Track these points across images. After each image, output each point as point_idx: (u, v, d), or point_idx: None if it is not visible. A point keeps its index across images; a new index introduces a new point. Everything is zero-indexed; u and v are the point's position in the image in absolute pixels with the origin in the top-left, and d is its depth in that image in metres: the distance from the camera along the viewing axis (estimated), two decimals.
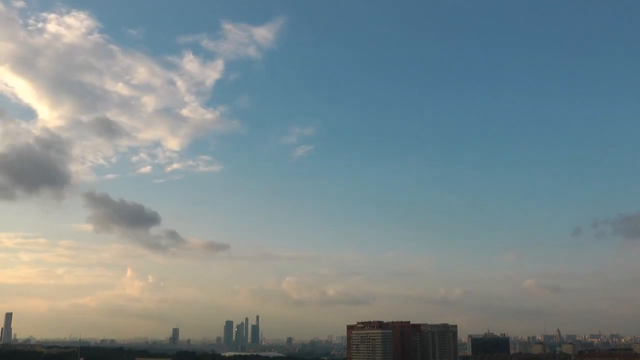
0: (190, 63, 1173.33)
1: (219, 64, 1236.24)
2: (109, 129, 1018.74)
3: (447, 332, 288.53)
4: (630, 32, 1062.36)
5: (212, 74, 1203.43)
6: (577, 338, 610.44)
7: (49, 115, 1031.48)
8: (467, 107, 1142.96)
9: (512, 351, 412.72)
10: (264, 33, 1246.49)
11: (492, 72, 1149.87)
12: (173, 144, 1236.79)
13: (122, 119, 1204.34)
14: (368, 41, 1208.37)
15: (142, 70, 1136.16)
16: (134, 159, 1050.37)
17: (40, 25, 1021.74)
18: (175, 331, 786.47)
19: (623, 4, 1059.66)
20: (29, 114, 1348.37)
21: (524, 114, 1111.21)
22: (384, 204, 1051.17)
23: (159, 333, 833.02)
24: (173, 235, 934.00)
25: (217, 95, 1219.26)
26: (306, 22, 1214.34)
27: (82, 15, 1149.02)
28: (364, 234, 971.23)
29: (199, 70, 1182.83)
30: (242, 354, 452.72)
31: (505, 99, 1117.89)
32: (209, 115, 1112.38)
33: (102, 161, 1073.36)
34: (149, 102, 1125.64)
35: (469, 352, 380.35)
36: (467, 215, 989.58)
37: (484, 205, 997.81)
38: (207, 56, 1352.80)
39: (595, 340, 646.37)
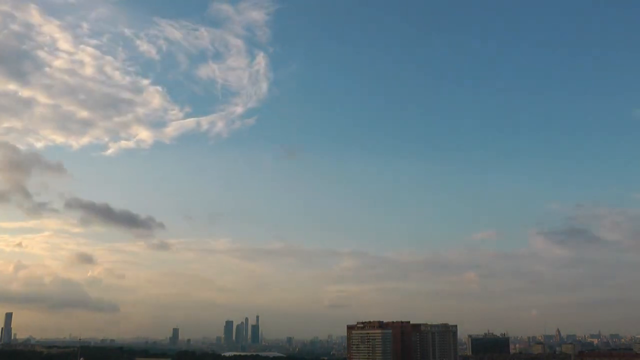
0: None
1: None
2: None
3: (447, 332, 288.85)
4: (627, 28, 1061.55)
5: None
6: (577, 338, 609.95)
7: None
8: (466, 105, 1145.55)
9: (512, 351, 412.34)
10: None
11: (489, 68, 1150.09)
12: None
13: None
14: (363, 38, 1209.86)
15: None
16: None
17: None
18: (175, 331, 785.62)
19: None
20: None
21: (520, 111, 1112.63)
22: (384, 202, 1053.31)
23: (159, 333, 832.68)
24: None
25: None
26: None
27: None
28: (365, 232, 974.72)
29: None
30: (242, 353, 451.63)
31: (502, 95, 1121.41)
32: None
33: None
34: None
35: (469, 352, 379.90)
36: (467, 213, 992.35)
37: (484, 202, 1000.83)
38: None
39: (595, 340, 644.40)
